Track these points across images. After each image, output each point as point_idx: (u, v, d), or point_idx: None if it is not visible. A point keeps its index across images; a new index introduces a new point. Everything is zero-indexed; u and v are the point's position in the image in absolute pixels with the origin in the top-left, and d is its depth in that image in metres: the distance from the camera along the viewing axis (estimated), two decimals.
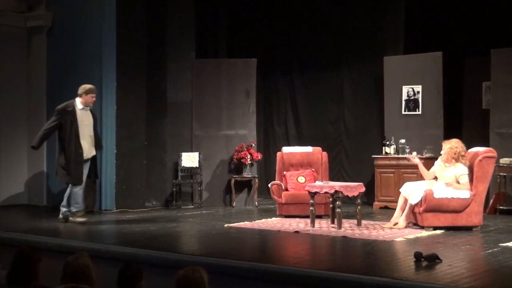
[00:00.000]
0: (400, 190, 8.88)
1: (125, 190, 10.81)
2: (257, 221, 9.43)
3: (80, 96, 9.31)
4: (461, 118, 11.58)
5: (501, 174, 10.12)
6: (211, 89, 11.73)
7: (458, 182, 8.60)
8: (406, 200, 8.68)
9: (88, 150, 9.32)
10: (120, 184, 10.79)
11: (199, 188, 11.40)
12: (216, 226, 8.98)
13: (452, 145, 8.73)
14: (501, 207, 10.15)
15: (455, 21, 11.25)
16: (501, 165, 10.01)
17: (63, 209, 9.32)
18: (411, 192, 8.64)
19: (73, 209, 9.27)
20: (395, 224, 8.67)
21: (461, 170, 8.62)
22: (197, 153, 11.40)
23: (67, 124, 9.18)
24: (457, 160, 8.67)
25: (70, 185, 9.28)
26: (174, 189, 11.31)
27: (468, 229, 8.43)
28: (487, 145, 9.52)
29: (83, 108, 9.34)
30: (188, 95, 11.63)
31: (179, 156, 11.35)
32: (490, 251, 7.03)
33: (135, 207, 10.74)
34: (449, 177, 8.66)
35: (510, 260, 6.48)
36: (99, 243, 7.52)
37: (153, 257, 6.77)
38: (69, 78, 11.03)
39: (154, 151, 11.37)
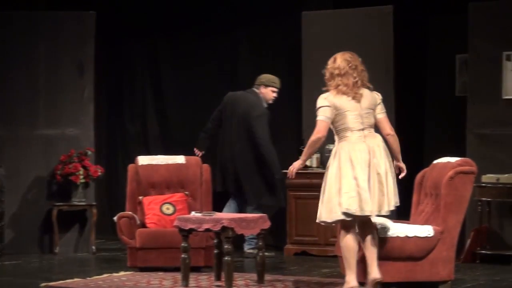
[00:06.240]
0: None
1: None
2: (94, 277, 9.38)
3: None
4: None
5: (483, 199, 10.32)
6: (19, 59, 11.68)
7: None
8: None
9: None
10: None
11: None
12: (30, 287, 8.91)
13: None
14: (482, 252, 10.40)
15: None
16: (483, 185, 10.21)
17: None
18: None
19: None
20: None
21: None
22: None
23: None
24: None
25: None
26: None
27: (432, 286, 8.54)
28: (461, 152, 9.76)
29: None
30: None
31: None
32: None
33: None
34: None
35: None
36: None
37: None
38: None
39: None
